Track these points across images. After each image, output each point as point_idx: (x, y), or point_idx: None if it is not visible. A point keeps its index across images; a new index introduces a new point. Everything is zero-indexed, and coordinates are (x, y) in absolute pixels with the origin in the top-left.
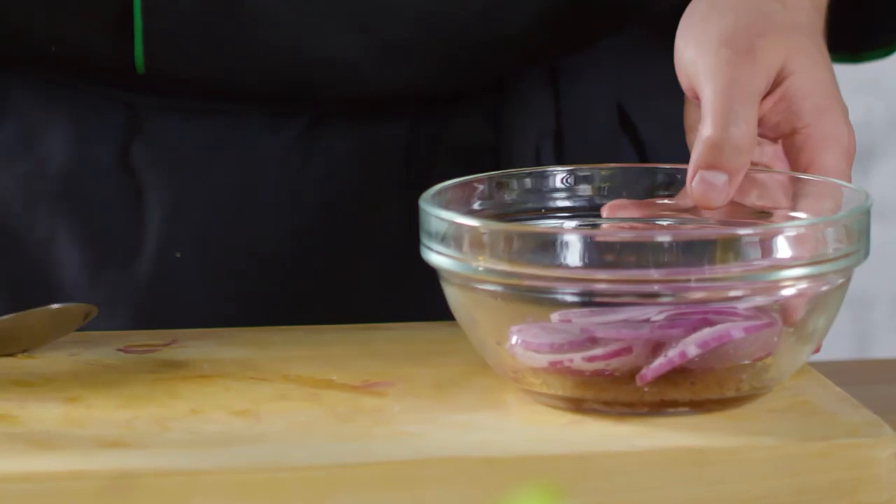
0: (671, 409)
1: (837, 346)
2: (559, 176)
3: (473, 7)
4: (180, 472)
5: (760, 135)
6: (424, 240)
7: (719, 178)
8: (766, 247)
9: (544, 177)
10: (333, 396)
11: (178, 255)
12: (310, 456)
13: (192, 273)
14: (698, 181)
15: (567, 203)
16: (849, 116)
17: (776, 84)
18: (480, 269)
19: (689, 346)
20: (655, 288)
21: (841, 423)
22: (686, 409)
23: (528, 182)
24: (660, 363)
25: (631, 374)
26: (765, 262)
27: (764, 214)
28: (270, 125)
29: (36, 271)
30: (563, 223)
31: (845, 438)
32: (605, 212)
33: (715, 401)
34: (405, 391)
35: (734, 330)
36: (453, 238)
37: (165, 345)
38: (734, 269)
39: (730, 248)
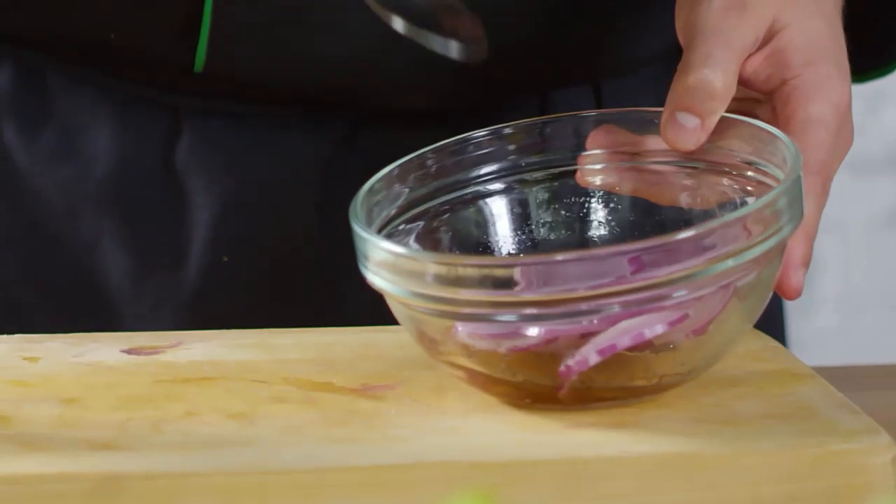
0: (596, 403)
1: (891, 349)
2: (479, 141)
3: (525, 29)
4: (167, 475)
5: (754, 89)
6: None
7: (690, 122)
8: (695, 246)
9: (465, 145)
10: (330, 399)
11: (225, 258)
12: (298, 459)
13: (238, 276)
14: (670, 122)
15: (492, 167)
16: (846, 75)
17: (768, 38)
18: (410, 293)
19: (591, 354)
20: (583, 307)
21: (838, 429)
22: (612, 401)
23: (448, 155)
24: (565, 368)
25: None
26: (698, 261)
27: (748, 166)
28: (314, 129)
29: (80, 277)
30: (488, 187)
31: (840, 445)
32: (588, 143)
33: (641, 388)
34: (404, 394)
35: (647, 328)
36: (380, 262)
37: (171, 346)
38: (664, 272)
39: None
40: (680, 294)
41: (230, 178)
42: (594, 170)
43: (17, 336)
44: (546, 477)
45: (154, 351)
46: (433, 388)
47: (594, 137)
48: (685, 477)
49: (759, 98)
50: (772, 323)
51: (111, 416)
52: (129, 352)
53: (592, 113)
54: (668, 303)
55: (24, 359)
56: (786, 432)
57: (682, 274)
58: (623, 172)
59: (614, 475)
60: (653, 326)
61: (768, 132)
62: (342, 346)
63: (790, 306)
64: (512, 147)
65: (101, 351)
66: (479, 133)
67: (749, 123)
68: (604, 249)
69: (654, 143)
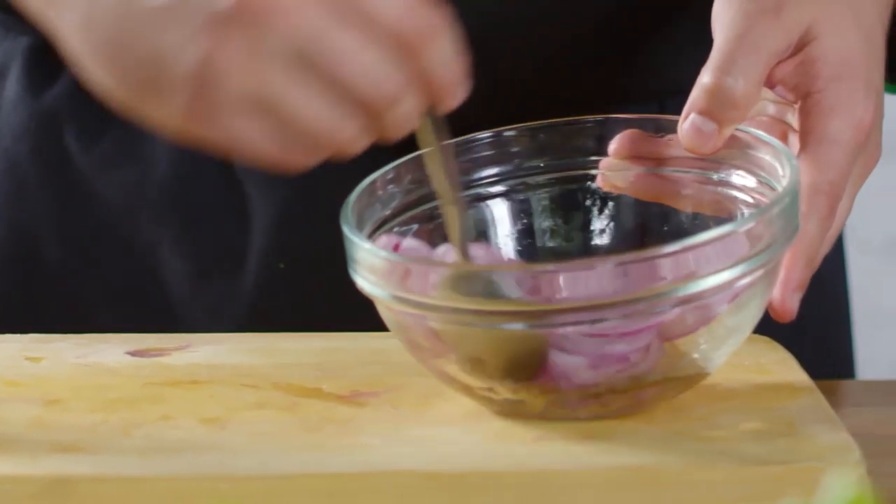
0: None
1: None
2: (479, 143)
3: (584, 47)
4: (117, 479)
5: (781, 95)
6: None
7: (708, 126)
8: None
9: (465, 147)
10: (313, 406)
11: (282, 265)
12: (254, 466)
13: (295, 283)
14: (688, 124)
15: (493, 170)
16: (874, 93)
17: (801, 46)
18: (391, 297)
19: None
20: (559, 318)
21: (811, 446)
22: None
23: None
24: None
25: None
26: (677, 278)
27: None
28: None
29: (142, 280)
30: (489, 190)
31: (807, 462)
32: (612, 146)
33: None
34: (387, 402)
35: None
36: (360, 262)
37: (177, 349)
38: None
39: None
40: (661, 309)
41: (288, 185)
42: (616, 174)
43: (28, 336)
44: (504, 489)
45: (159, 353)
46: (420, 396)
47: (618, 142)
48: (645, 492)
49: (793, 104)
50: (836, 336)
51: (86, 418)
52: (133, 353)
53: (598, 118)
54: (648, 320)
55: (27, 358)
56: (757, 448)
57: (660, 290)
58: (644, 179)
59: (574, 488)
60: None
61: (771, 146)
62: (348, 352)
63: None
64: (514, 150)
65: (106, 352)
66: (481, 136)
67: (753, 135)
68: (582, 262)
69: (677, 150)
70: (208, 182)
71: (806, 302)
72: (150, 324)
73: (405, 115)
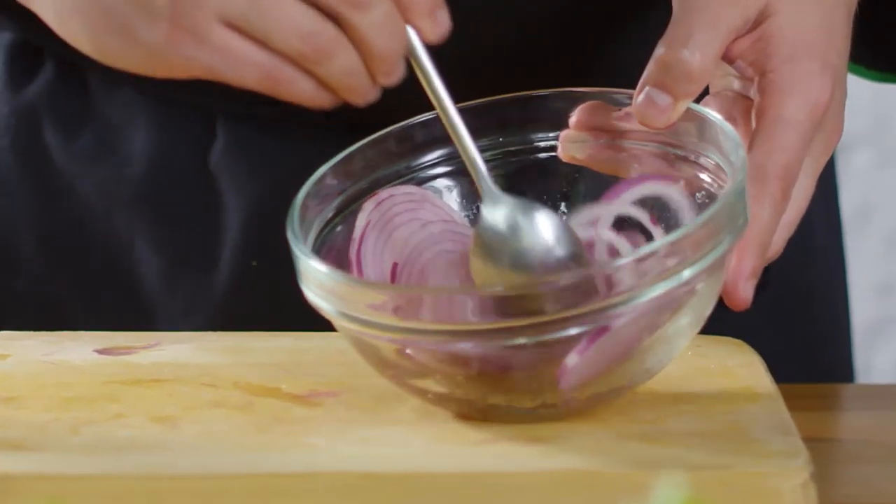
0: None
1: None
2: (421, 127)
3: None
4: (56, 477)
5: (739, 71)
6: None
7: (663, 99)
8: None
9: (406, 132)
10: (267, 405)
11: (254, 263)
12: (196, 465)
13: (267, 281)
14: (643, 97)
15: (437, 153)
16: (831, 72)
17: (759, 21)
18: (340, 315)
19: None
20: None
21: (757, 451)
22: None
23: (386, 145)
24: None
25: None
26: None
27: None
28: (346, 134)
29: (116, 277)
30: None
31: (750, 467)
32: (573, 118)
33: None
34: (343, 402)
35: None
36: (308, 278)
37: (145, 347)
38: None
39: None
40: (621, 313)
41: (262, 182)
42: (574, 146)
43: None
44: (446, 491)
45: (127, 351)
46: (376, 397)
47: (578, 114)
48: (582, 494)
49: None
50: (837, 340)
51: (39, 416)
52: (101, 352)
53: (544, 92)
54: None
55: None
56: (703, 452)
57: (614, 301)
58: (602, 150)
59: (516, 491)
60: None
61: (723, 130)
62: (313, 352)
63: None
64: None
65: (74, 350)
66: (420, 119)
67: (706, 117)
68: (532, 281)
69: (636, 123)
70: (183, 179)
71: (802, 305)
72: (123, 320)
73: (341, 70)
